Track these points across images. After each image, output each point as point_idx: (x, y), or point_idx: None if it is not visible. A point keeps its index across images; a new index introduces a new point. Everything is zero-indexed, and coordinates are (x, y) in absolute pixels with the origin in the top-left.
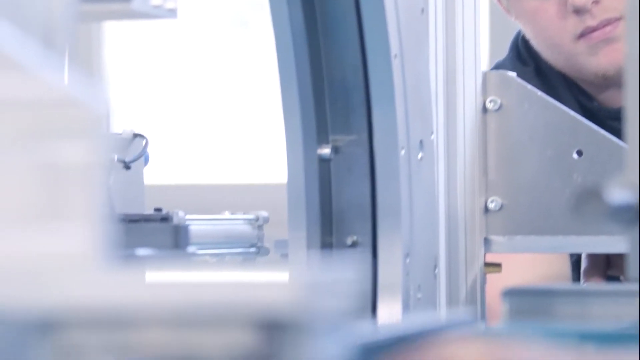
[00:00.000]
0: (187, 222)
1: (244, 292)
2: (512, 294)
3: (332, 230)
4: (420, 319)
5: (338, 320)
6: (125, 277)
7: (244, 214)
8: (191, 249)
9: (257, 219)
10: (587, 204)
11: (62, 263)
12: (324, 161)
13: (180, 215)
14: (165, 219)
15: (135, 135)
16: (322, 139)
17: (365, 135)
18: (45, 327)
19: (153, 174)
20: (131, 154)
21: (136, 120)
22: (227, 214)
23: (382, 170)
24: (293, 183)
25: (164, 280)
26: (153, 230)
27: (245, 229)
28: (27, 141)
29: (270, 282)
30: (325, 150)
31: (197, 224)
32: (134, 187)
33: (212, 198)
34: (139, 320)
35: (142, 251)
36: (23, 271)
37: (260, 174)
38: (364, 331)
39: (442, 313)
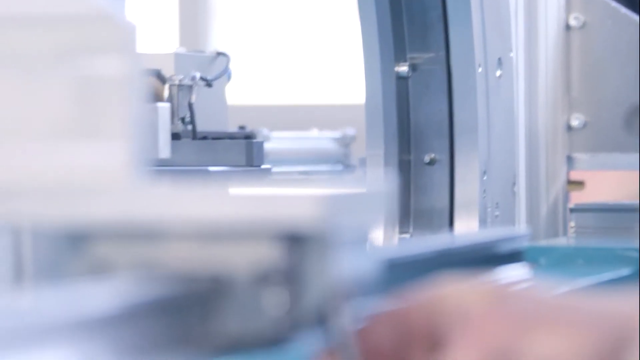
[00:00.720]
0: (272, 139)
1: (269, 206)
2: (579, 210)
3: (410, 147)
4: (467, 235)
5: (365, 235)
6: (156, 192)
7: (331, 131)
8: (268, 165)
9: (343, 137)
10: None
11: (97, 177)
12: (401, 79)
13: (264, 133)
14: (249, 136)
15: (219, 54)
16: (399, 57)
17: (442, 53)
18: (77, 240)
19: (243, 95)
20: (214, 72)
21: (224, 40)
22: (314, 132)
23: (459, 87)
24: (371, 101)
25: (191, 195)
26: (228, 147)
27: (332, 146)
28: (61, 56)
29: (295, 195)
30: (403, 68)
31: (283, 142)
32: (217, 104)
33: (301, 118)
34: (165, 234)
35: (214, 168)
36: (58, 185)
37: (350, 94)
38: (392, 247)
39: (491, 229)
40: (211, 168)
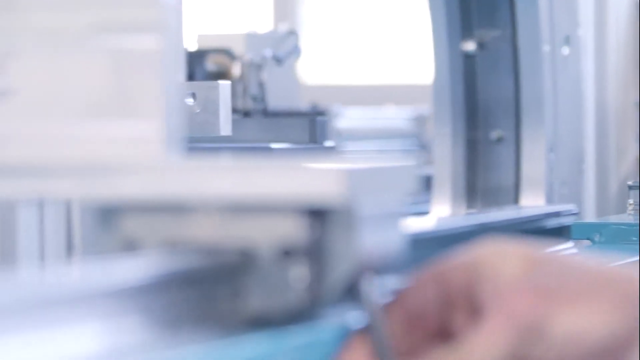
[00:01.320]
0: (345, 117)
1: (294, 181)
2: (637, 187)
3: (477, 125)
4: (510, 210)
5: (390, 211)
6: (184, 168)
7: (406, 109)
8: (332, 143)
9: (418, 115)
10: None
11: (130, 153)
12: (468, 57)
13: (335, 110)
14: (319, 114)
15: (289, 33)
16: (467, 35)
17: (509, 31)
18: (109, 215)
19: (323, 75)
20: (285, 50)
21: (313, 21)
22: (390, 109)
23: (525, 65)
24: (439, 79)
25: (218, 171)
26: (291, 124)
27: (407, 124)
28: (99, 34)
29: (319, 170)
30: (470, 47)
31: (358, 120)
32: (288, 82)
33: (378, 97)
34: (193, 209)
35: (277, 145)
36: (92, 161)
37: (425, 73)
38: (431, 221)
39: (535, 205)
40: (274, 145)
